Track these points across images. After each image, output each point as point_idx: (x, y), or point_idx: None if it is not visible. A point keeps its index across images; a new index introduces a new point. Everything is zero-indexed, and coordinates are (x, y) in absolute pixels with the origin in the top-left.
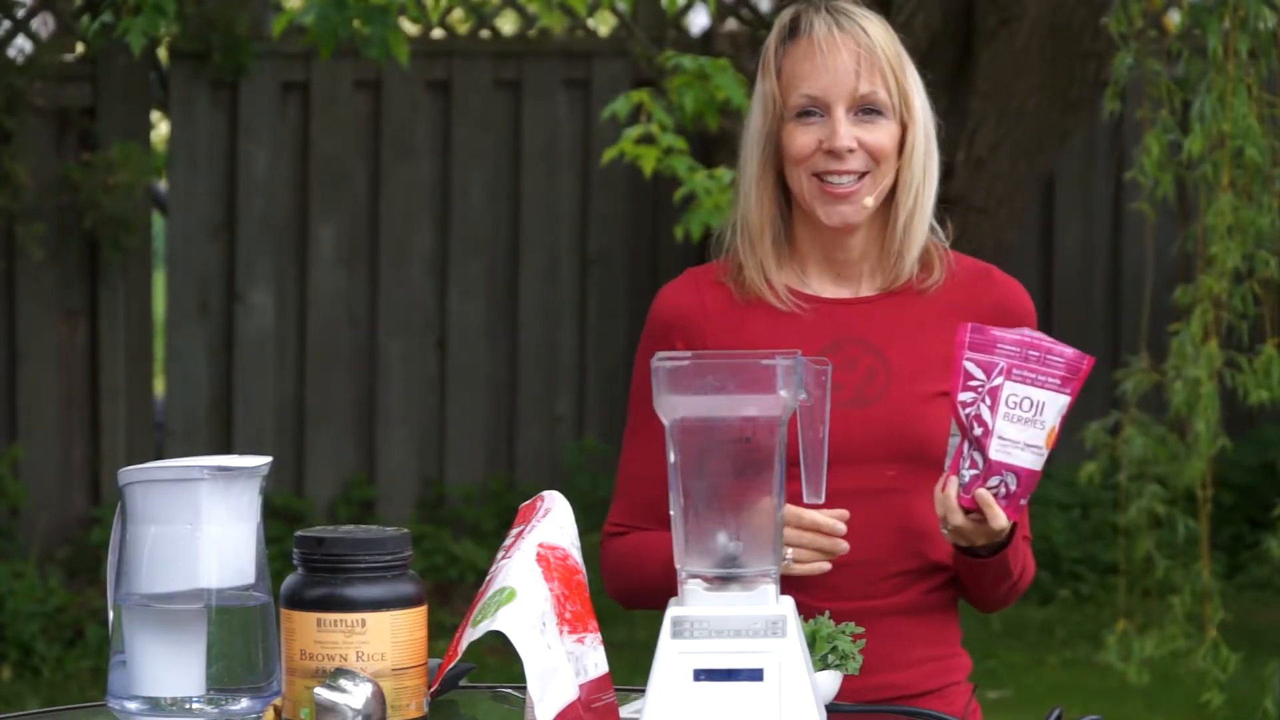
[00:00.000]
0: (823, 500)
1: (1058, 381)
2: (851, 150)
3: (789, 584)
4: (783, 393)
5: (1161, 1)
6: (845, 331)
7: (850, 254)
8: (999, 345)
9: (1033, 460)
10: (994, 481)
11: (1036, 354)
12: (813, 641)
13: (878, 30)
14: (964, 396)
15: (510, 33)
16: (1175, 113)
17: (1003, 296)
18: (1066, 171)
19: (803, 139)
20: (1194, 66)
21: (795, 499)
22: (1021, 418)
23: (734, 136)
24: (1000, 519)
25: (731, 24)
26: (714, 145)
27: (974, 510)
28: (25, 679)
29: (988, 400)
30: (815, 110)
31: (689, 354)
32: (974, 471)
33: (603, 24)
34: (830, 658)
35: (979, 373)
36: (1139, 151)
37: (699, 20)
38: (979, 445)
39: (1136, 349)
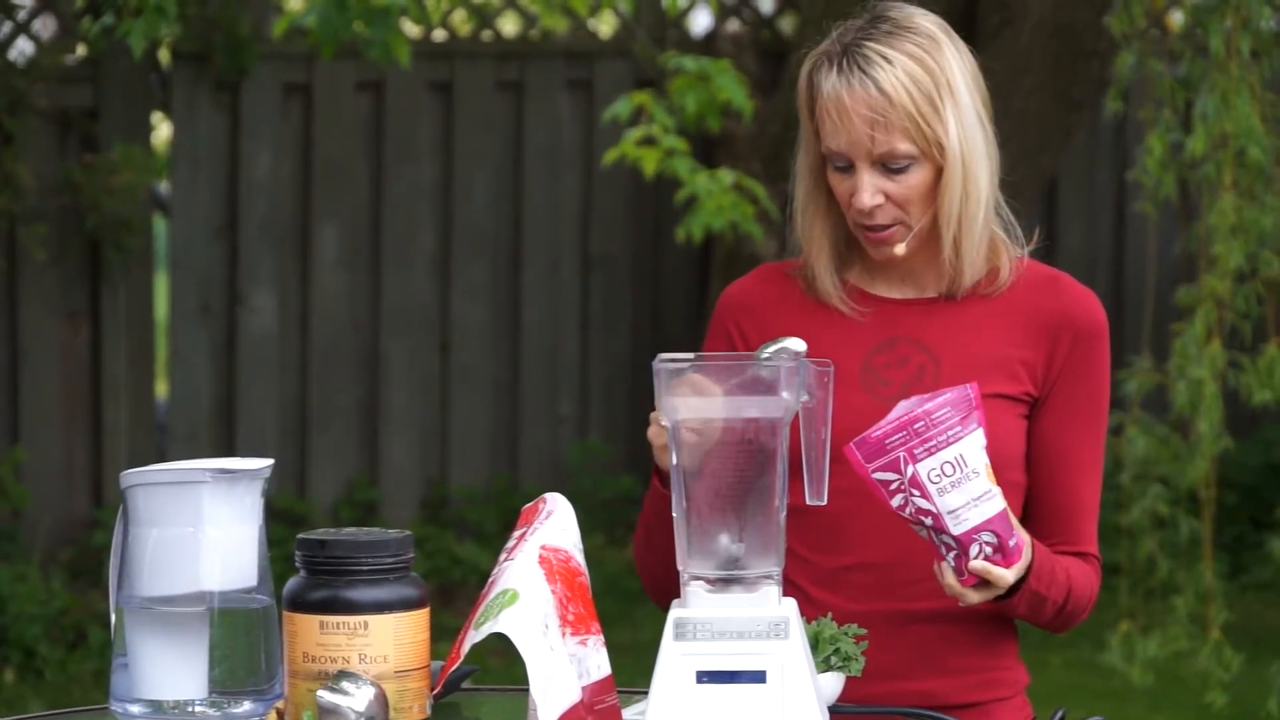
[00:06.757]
0: (824, 502)
1: (958, 428)
2: (878, 206)
3: (817, 582)
4: (785, 394)
5: (1163, 1)
6: (900, 330)
7: (907, 267)
8: (886, 441)
9: (992, 506)
10: (974, 551)
11: (921, 424)
12: (815, 643)
13: (894, 77)
14: (895, 501)
15: (512, 34)
16: (1178, 112)
17: (1065, 305)
18: (1069, 171)
19: (839, 188)
20: (1196, 66)
21: (798, 499)
22: (954, 482)
23: (735, 138)
24: (1005, 577)
25: (733, 25)
26: (715, 146)
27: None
28: (28, 681)
29: (915, 492)
30: (843, 162)
31: (691, 355)
32: (954, 552)
33: (604, 25)
34: (833, 659)
35: (890, 475)
36: (1141, 151)
37: (701, 21)
38: (940, 530)
39: (1139, 349)
